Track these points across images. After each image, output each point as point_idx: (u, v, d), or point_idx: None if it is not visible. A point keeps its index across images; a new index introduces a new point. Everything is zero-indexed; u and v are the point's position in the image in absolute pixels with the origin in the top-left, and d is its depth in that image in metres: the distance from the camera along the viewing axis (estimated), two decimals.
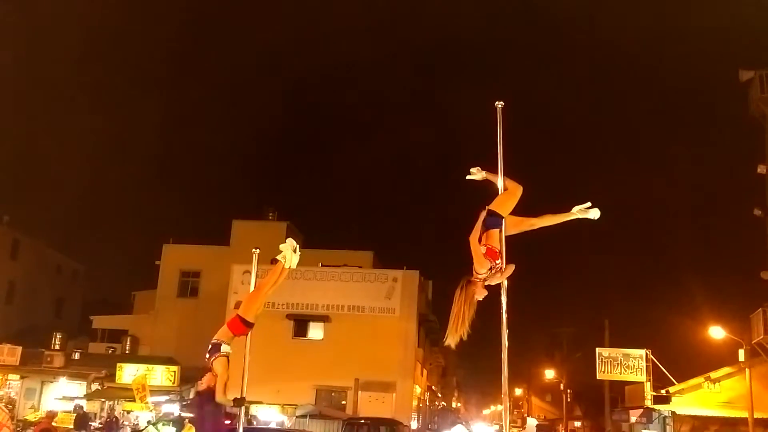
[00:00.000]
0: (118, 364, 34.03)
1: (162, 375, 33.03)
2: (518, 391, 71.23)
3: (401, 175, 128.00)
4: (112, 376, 33.48)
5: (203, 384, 7.81)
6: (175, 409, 27.39)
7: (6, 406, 24.69)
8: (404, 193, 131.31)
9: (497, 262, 6.02)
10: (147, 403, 26.48)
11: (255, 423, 26.58)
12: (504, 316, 5.94)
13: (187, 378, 32.65)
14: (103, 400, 32.98)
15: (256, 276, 8.48)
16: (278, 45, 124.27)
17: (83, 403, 30.58)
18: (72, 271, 54.56)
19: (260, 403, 28.19)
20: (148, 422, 24.49)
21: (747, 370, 26.29)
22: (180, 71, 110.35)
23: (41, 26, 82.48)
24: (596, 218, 6.59)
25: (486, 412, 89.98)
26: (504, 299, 5.98)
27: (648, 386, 30.84)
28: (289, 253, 7.86)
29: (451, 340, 6.07)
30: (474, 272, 6.00)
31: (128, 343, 41.20)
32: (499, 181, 6.39)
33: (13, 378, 35.20)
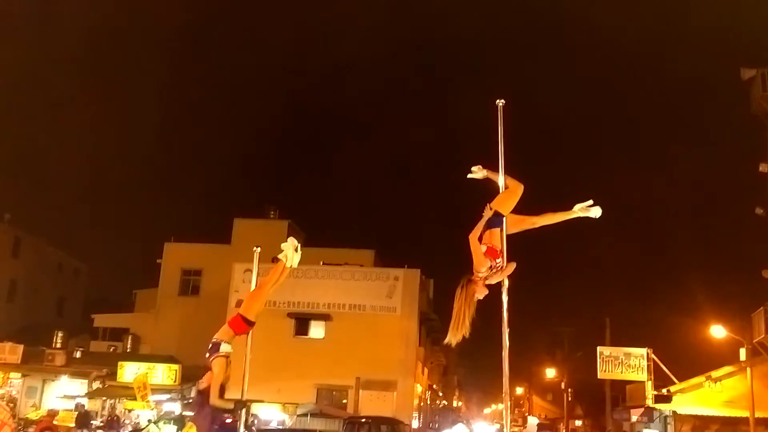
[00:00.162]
0: (120, 363, 34.07)
1: (163, 373, 33.06)
2: (519, 390, 71.26)
3: (402, 174, 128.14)
4: (113, 375, 33.52)
5: (204, 383, 7.81)
6: (176, 407, 27.46)
7: (7, 405, 24.75)
8: (405, 192, 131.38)
9: (497, 261, 6.01)
10: (148, 401, 26.51)
11: (256, 422, 26.61)
12: (505, 315, 5.93)
13: (188, 376, 32.67)
14: (104, 398, 33.03)
15: (258, 275, 8.48)
16: (279, 45, 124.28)
17: (84, 401, 30.62)
18: (73, 269, 54.58)
19: (261, 401, 28.21)
20: (149, 421, 24.54)
21: (748, 369, 26.28)
22: (181, 71, 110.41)
23: (43, 26, 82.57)
24: (598, 217, 6.58)
25: (487, 411, 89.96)
26: (505, 298, 5.98)
27: (649, 385, 30.81)
28: (291, 252, 7.85)
29: (453, 339, 6.07)
30: (474, 271, 6.00)
31: (129, 341, 41.25)
32: (500, 180, 6.39)
33: (15, 376, 35.24)
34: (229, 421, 7.77)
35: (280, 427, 29.93)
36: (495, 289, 6.03)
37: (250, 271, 8.72)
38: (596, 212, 6.59)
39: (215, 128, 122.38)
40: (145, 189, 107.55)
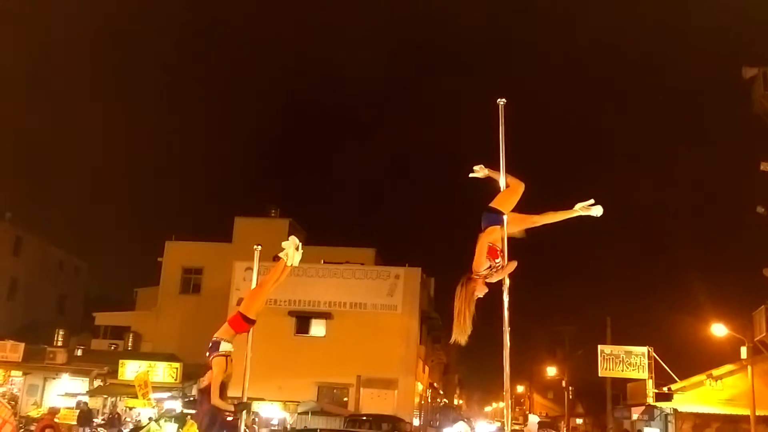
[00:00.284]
0: (121, 361, 34.11)
1: (164, 372, 33.11)
2: (520, 389, 71.28)
3: (403, 173, 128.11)
4: (114, 373, 33.57)
5: (205, 381, 7.82)
6: (177, 405, 27.44)
7: (9, 403, 24.78)
8: (406, 191, 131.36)
9: (497, 261, 6.02)
10: (149, 399, 26.54)
11: (257, 420, 26.61)
12: (506, 313, 5.94)
13: (189, 375, 32.73)
14: (105, 396, 33.08)
15: (258, 273, 8.48)
16: (279, 44, 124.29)
17: (85, 399, 30.65)
18: (74, 267, 54.63)
19: (262, 400, 28.21)
20: (150, 419, 24.55)
21: (749, 367, 26.27)
22: (182, 70, 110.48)
23: (45, 25, 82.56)
24: (599, 215, 6.58)
25: (488, 409, 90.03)
26: (506, 297, 5.98)
27: (650, 383, 30.82)
28: (292, 250, 7.84)
29: (460, 338, 6.06)
30: (473, 270, 6.01)
31: (130, 339, 41.30)
32: (501, 179, 6.39)
33: (16, 374, 35.30)
34: (230, 419, 7.76)
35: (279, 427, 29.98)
36: (496, 289, 6.03)
37: (251, 269, 8.71)
38: (597, 211, 6.59)
39: (216, 127, 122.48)
40: (146, 187, 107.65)
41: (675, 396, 29.74)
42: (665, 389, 30.06)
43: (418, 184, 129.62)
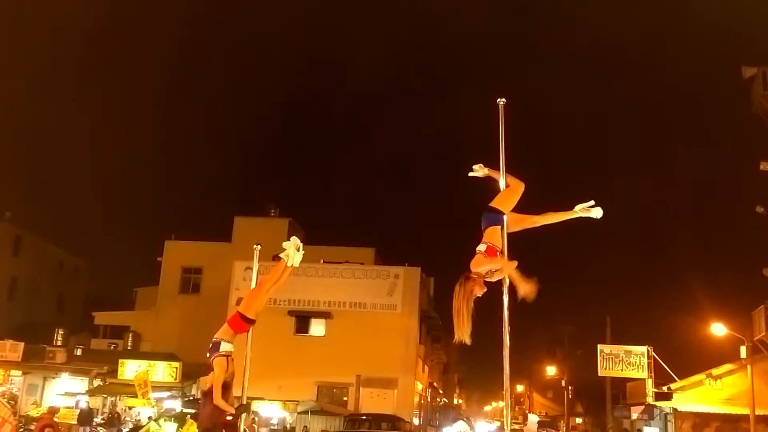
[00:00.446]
0: (120, 360, 34.12)
1: (164, 371, 33.12)
2: (520, 388, 71.31)
3: (403, 172, 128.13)
4: (114, 372, 33.58)
5: (207, 383, 7.83)
6: (176, 405, 27.44)
7: (8, 402, 24.77)
8: (406, 190, 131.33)
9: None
10: (149, 399, 26.53)
11: (256, 419, 26.61)
12: (506, 313, 5.93)
13: (189, 374, 32.78)
14: (105, 396, 33.10)
15: (258, 272, 8.48)
16: (279, 44, 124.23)
17: (85, 398, 30.65)
18: (74, 267, 54.64)
19: (262, 399, 28.23)
20: (150, 418, 24.53)
21: (748, 367, 26.29)
22: (182, 69, 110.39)
23: (42, 23, 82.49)
24: (598, 217, 6.58)
25: (487, 408, 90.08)
26: (506, 297, 5.98)
27: (649, 383, 30.83)
28: (292, 250, 7.82)
29: (464, 337, 6.05)
30: (471, 269, 6.01)
31: (130, 339, 41.31)
32: (501, 179, 6.39)
33: (16, 374, 35.31)
34: (229, 418, 7.77)
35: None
36: (496, 288, 6.03)
37: (251, 269, 8.71)
38: (597, 213, 6.59)
39: (216, 126, 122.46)
40: (146, 187, 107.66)
41: (674, 395, 29.76)
42: (665, 389, 30.08)
43: (417, 184, 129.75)
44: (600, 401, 41.41)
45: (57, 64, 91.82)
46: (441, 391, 56.00)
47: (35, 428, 18.08)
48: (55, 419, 19.08)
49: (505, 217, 6.18)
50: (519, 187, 6.36)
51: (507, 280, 6.03)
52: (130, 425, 28.47)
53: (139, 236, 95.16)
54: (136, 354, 37.80)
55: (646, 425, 32.38)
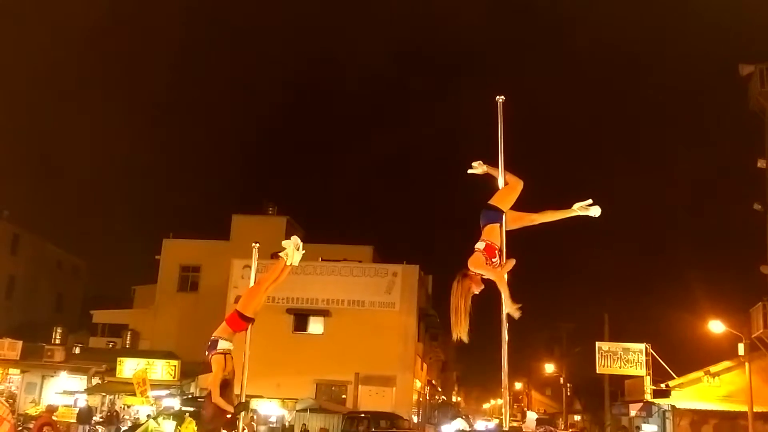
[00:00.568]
0: (119, 359, 34.11)
1: (162, 369, 33.11)
2: (518, 386, 71.35)
3: (401, 170, 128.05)
4: (112, 371, 33.56)
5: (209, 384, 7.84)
6: (175, 403, 27.44)
7: (7, 401, 24.77)
8: (404, 189, 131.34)
9: (494, 260, 6.02)
10: (147, 397, 26.52)
11: (255, 417, 26.63)
12: (504, 311, 5.94)
13: (188, 372, 32.77)
14: (103, 394, 33.08)
15: (256, 271, 8.48)
16: (279, 42, 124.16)
17: (84, 397, 30.65)
18: (72, 265, 54.61)
19: (261, 397, 28.23)
20: (149, 416, 24.53)
21: (746, 364, 26.30)
22: (180, 68, 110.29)
23: (44, 23, 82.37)
24: (597, 216, 6.59)
25: (486, 406, 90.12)
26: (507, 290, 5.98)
27: (648, 380, 30.86)
28: (292, 249, 7.79)
29: (462, 335, 6.05)
30: (470, 267, 6.02)
31: (128, 337, 41.30)
32: (500, 176, 6.39)
33: (14, 372, 35.31)
34: (228, 416, 7.77)
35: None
36: (494, 286, 6.03)
37: (249, 267, 8.71)
38: (595, 211, 6.60)
39: (214, 125, 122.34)
40: (144, 186, 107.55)
41: (673, 392, 29.79)
42: (663, 386, 30.10)
43: (416, 182, 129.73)
44: (598, 398, 41.48)
45: (57, 64, 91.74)
46: (439, 389, 56.01)
47: (34, 427, 18.09)
48: (54, 418, 19.10)
49: (503, 215, 6.18)
50: (518, 185, 6.37)
51: (505, 278, 6.03)
52: (129, 423, 28.47)
53: (138, 235, 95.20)
54: (134, 352, 37.80)
55: (645, 422, 32.41)
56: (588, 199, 6.60)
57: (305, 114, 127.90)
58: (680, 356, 33.51)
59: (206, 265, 42.38)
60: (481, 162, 6.64)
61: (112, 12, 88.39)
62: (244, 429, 8.49)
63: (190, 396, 30.28)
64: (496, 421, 51.98)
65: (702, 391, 29.29)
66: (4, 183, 66.99)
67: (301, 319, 36.24)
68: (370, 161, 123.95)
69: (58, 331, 38.93)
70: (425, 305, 39.43)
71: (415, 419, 36.24)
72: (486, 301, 6.12)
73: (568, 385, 51.48)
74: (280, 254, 7.84)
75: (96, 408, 31.19)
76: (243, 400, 7.92)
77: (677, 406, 29.21)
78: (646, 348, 31.42)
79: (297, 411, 31.00)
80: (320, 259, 36.94)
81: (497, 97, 6.54)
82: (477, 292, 6.08)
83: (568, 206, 6.60)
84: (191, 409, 21.61)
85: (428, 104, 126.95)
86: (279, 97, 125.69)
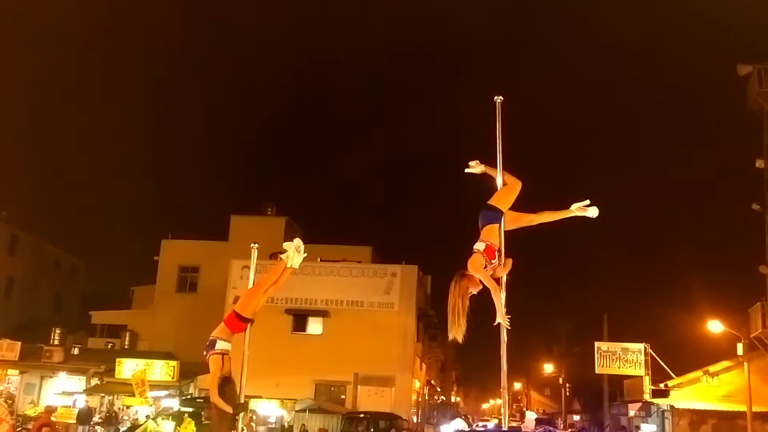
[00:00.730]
0: (118, 359, 34.12)
1: (161, 370, 33.12)
2: (517, 386, 71.42)
3: (400, 170, 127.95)
4: (111, 371, 33.56)
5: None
6: (174, 403, 27.46)
7: (5, 401, 24.76)
8: (403, 189, 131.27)
9: (493, 261, 6.03)
10: (146, 397, 26.53)
11: (254, 418, 26.64)
12: (503, 310, 5.94)
13: (186, 373, 32.78)
14: (102, 395, 33.09)
15: (255, 271, 8.47)
16: (277, 41, 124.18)
17: (83, 398, 30.65)
18: (71, 266, 54.56)
19: (260, 397, 28.23)
20: (148, 417, 24.53)
21: (745, 363, 26.33)
22: (179, 67, 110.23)
23: (43, 22, 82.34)
24: (594, 216, 6.61)
25: (485, 406, 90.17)
26: (503, 295, 5.99)
27: (647, 380, 30.89)
28: (293, 251, 7.79)
29: (457, 335, 6.06)
30: (468, 267, 6.03)
31: (127, 338, 41.27)
32: (498, 176, 6.41)
33: (13, 373, 35.29)
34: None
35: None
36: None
37: (248, 267, 8.70)
38: (593, 212, 6.61)
39: (213, 125, 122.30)
40: (143, 186, 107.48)
41: (672, 392, 29.82)
42: (662, 386, 30.13)
43: (415, 182, 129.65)
44: (597, 398, 41.55)
45: (57, 64, 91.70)
46: (438, 389, 56.03)
47: (32, 427, 18.06)
48: (53, 418, 19.08)
49: (503, 216, 6.19)
50: (516, 185, 6.38)
51: (504, 278, 6.05)
52: (128, 424, 28.46)
53: (136, 235, 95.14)
54: (133, 353, 37.79)
55: (644, 422, 32.44)
56: (586, 199, 6.62)
57: (304, 114, 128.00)
58: (679, 356, 33.56)
59: (205, 266, 42.36)
60: (478, 161, 6.66)
61: (112, 12, 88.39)
62: (243, 429, 8.49)
63: (188, 396, 30.29)
64: (495, 421, 51.95)
65: (701, 391, 29.31)
66: (2, 183, 66.97)
67: (300, 320, 36.22)
68: (369, 161, 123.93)
69: (57, 331, 38.91)
70: (424, 305, 39.43)
71: (414, 419, 36.24)
72: (485, 301, 6.13)
73: (567, 385, 51.57)
74: (281, 256, 7.83)
75: (95, 409, 31.18)
76: (242, 401, 7.92)
77: (676, 406, 29.23)
78: (645, 348, 31.45)
79: (296, 411, 30.99)
80: (319, 259, 36.92)
81: (495, 97, 6.55)
82: (475, 292, 6.09)
83: (566, 207, 6.62)
84: (190, 409, 21.65)
85: (428, 104, 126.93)
86: (278, 97, 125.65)
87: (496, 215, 6.17)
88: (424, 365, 42.11)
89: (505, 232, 6.20)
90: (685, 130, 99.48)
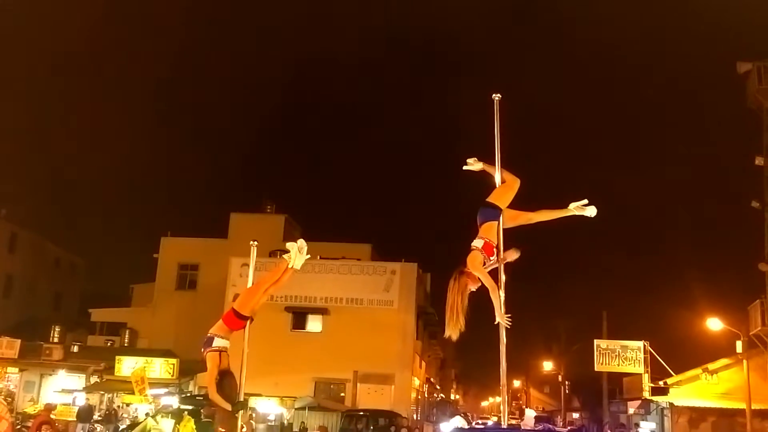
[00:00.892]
0: (117, 357, 34.11)
1: (161, 367, 33.11)
2: (517, 383, 71.49)
3: (399, 168, 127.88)
4: (111, 369, 33.55)
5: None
6: (173, 401, 27.46)
7: (5, 399, 24.80)
8: (402, 186, 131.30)
9: (492, 258, 6.04)
10: (146, 395, 26.53)
11: (254, 416, 26.64)
12: (502, 308, 5.95)
13: (186, 371, 32.76)
14: (102, 392, 33.08)
15: (255, 269, 8.47)
16: (277, 39, 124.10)
17: (82, 395, 30.65)
18: (70, 264, 54.54)
19: (259, 395, 28.23)
20: (147, 414, 24.54)
21: (744, 361, 26.36)
22: (178, 66, 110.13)
23: (42, 21, 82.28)
24: (592, 216, 6.61)
25: (485, 403, 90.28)
26: (502, 293, 5.99)
27: (646, 378, 30.90)
28: (295, 252, 7.80)
29: (452, 332, 6.07)
30: (467, 264, 6.03)
31: (127, 335, 41.27)
32: (497, 174, 6.41)
33: (12, 371, 35.27)
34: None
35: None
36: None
37: (247, 265, 8.70)
38: (591, 212, 6.62)
39: (212, 123, 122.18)
40: (142, 184, 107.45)
41: (671, 390, 29.80)
42: (661, 383, 30.11)
43: (414, 180, 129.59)
44: (597, 396, 41.57)
45: (55, 61, 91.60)
46: (438, 387, 56.08)
47: (32, 425, 18.08)
48: (52, 416, 19.11)
49: (501, 213, 6.20)
50: (515, 183, 6.39)
51: (503, 277, 6.05)
52: (128, 422, 28.46)
53: (136, 233, 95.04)
54: (133, 351, 37.78)
55: (643, 420, 32.48)
56: (586, 197, 6.63)
57: (303, 113, 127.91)
58: (678, 354, 33.57)
59: (204, 264, 42.35)
60: (476, 159, 6.67)
61: (112, 12, 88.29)
62: (242, 427, 8.49)
63: (188, 394, 30.30)
64: (495, 419, 52.02)
65: (700, 389, 29.32)
66: (2, 181, 66.90)
67: (299, 318, 36.23)
68: (368, 159, 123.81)
69: (57, 329, 38.91)
70: (424, 303, 39.45)
71: (414, 417, 36.26)
72: (485, 299, 6.13)
73: (567, 382, 51.58)
74: (283, 256, 7.84)
75: (95, 406, 31.19)
76: (242, 399, 7.91)
77: (675, 404, 29.23)
78: (645, 345, 31.46)
79: (296, 409, 31.01)
80: (318, 257, 36.84)
81: (493, 95, 6.56)
82: (474, 289, 6.10)
83: (564, 206, 6.63)
84: (190, 407, 21.65)
85: (427, 103, 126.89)
86: (278, 97, 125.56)
87: (494, 212, 6.18)
88: (423, 363, 42.13)
89: (504, 229, 6.21)
90: (684, 128, 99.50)
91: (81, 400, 30.01)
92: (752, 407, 25.75)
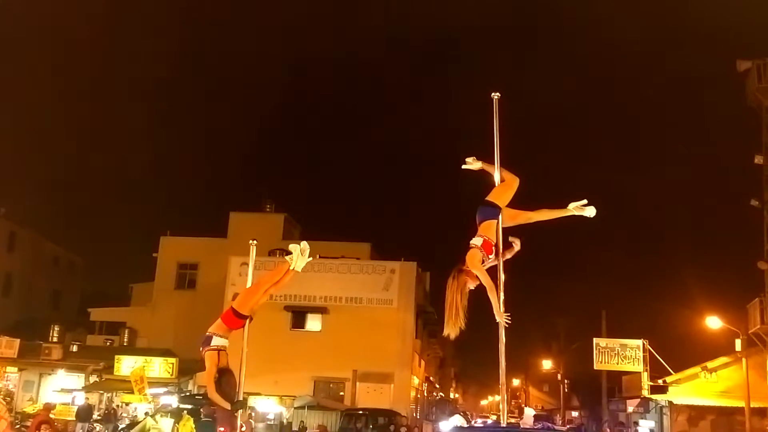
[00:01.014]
0: (116, 356, 34.10)
1: (160, 367, 33.11)
2: (516, 382, 71.51)
3: (398, 167, 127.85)
4: (110, 368, 33.56)
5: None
6: (173, 400, 27.46)
7: (4, 399, 24.80)
8: (401, 185, 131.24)
9: (490, 257, 6.04)
10: (145, 394, 26.53)
11: (253, 415, 26.66)
12: (501, 307, 5.95)
13: (185, 370, 32.76)
14: (101, 392, 33.08)
15: (254, 268, 8.47)
16: (277, 39, 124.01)
17: (81, 395, 30.65)
18: (69, 263, 54.49)
19: (259, 394, 28.24)
20: (146, 414, 24.54)
21: (743, 359, 26.40)
22: (178, 66, 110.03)
23: (42, 21, 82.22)
24: (592, 216, 6.61)
25: (484, 402, 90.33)
26: (501, 292, 6.00)
27: (645, 376, 30.94)
28: (297, 254, 7.81)
29: (451, 331, 6.07)
30: (466, 263, 6.03)
31: (126, 335, 41.26)
32: (496, 173, 6.41)
33: (11, 370, 35.27)
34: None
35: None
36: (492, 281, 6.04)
37: (247, 264, 8.71)
38: (590, 212, 6.62)
39: (211, 122, 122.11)
40: (142, 183, 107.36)
41: (670, 388, 29.86)
42: (660, 382, 30.17)
43: (413, 179, 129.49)
44: (596, 395, 41.59)
45: (57, 64, 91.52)
46: (437, 386, 56.09)
47: (31, 425, 18.08)
48: (52, 415, 19.10)
49: (500, 212, 6.20)
50: (514, 182, 6.39)
51: (502, 276, 6.05)
52: (127, 421, 28.46)
53: (135, 232, 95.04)
54: (132, 350, 37.79)
55: (642, 418, 32.50)
56: (586, 196, 6.63)
57: (303, 113, 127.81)
58: (677, 352, 33.60)
59: (204, 263, 42.33)
60: (474, 158, 6.67)
61: (112, 12, 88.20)
62: (242, 426, 8.49)
63: (187, 393, 30.30)
64: (494, 417, 52.02)
65: (699, 387, 29.37)
66: (1, 180, 66.84)
67: (299, 317, 36.23)
68: (367, 158, 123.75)
69: (56, 328, 38.89)
70: (423, 302, 39.45)
71: (413, 416, 36.27)
72: (483, 298, 6.13)
73: (566, 381, 51.57)
74: (285, 257, 7.85)
75: (94, 406, 31.20)
76: (241, 398, 7.91)
77: (674, 402, 29.28)
78: (644, 344, 31.51)
79: (295, 408, 31.01)
80: (318, 256, 36.55)
81: (492, 93, 6.56)
82: (473, 288, 6.10)
83: (564, 205, 6.63)
84: (189, 406, 21.66)
85: (427, 102, 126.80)
86: (278, 97, 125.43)
87: (494, 211, 6.18)
88: (422, 362, 42.14)
89: (503, 228, 6.21)
90: (683, 126, 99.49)
91: (80, 399, 30.04)
92: (751, 405, 25.79)
